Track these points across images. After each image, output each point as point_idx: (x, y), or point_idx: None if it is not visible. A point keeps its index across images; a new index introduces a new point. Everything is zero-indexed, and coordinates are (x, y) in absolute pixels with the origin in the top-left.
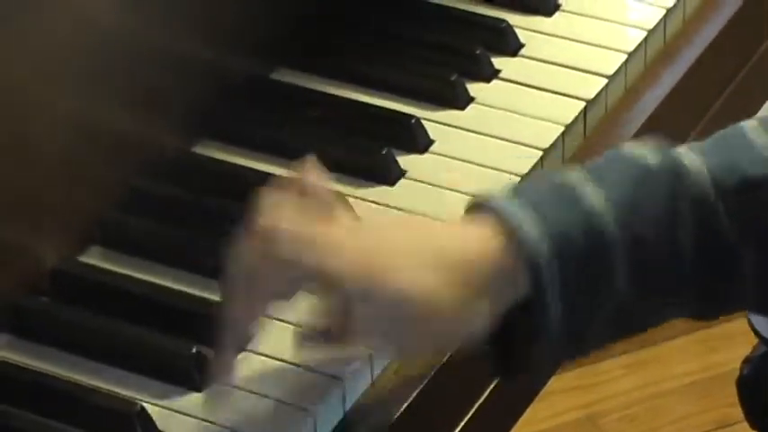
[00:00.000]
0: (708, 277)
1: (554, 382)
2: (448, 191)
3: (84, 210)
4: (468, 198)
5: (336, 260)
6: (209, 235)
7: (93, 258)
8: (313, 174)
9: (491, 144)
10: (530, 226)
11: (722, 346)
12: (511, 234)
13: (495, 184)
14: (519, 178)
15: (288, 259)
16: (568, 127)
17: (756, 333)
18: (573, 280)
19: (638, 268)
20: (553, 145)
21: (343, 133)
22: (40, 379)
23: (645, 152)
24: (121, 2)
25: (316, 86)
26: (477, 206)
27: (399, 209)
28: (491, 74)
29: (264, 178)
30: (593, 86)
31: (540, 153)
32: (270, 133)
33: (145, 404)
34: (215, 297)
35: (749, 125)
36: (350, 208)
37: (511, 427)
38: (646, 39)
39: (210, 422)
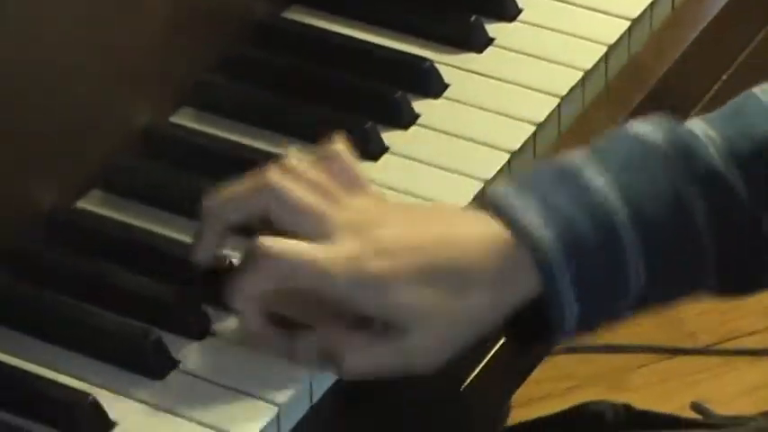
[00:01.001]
0: (728, 254)
1: None
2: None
3: (177, 73)
4: None
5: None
6: (299, 97)
7: (185, 119)
8: (342, 148)
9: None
10: (539, 226)
11: None
12: (519, 236)
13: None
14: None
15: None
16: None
17: None
18: (587, 278)
19: (654, 255)
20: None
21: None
22: (128, 233)
23: (651, 130)
24: None
25: None
26: (482, 200)
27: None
28: None
29: (354, 43)
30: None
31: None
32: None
33: (233, 260)
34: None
35: (760, 89)
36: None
37: None
38: None
39: None
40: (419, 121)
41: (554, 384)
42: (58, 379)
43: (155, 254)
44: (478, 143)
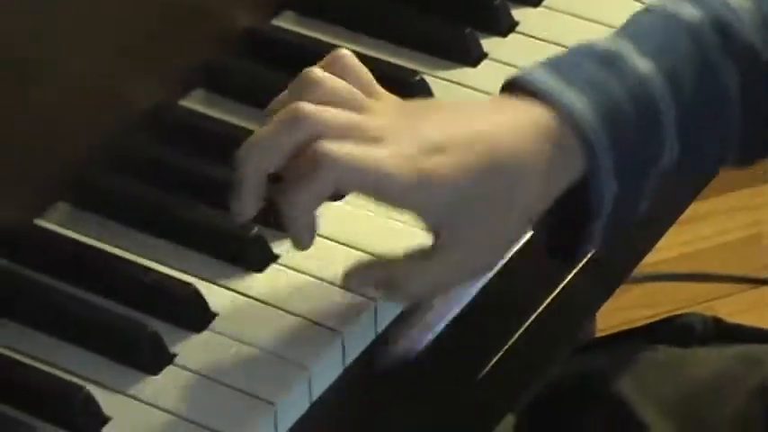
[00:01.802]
0: (754, 124)
1: (721, 202)
2: None
3: None
4: None
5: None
6: (399, 2)
7: (286, 22)
8: (349, 53)
9: None
10: (580, 104)
11: None
12: (561, 114)
13: None
14: None
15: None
16: None
17: None
18: (626, 153)
19: (688, 127)
20: None
21: None
22: (228, 131)
23: (688, 7)
24: None
25: None
26: (518, 84)
27: None
28: None
29: None
30: None
31: None
32: None
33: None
34: (408, 64)
35: None
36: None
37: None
38: None
39: None
40: (518, 28)
41: (638, 312)
42: (163, 270)
43: None
44: None
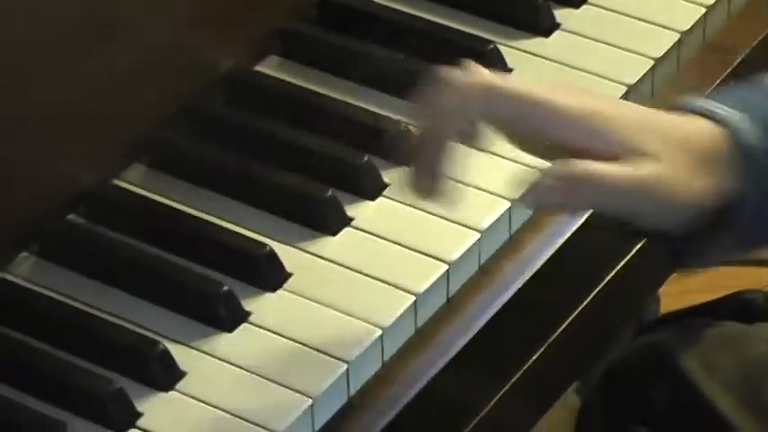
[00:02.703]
0: None
1: None
2: None
3: None
4: None
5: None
6: None
7: None
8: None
9: None
10: (744, 122)
11: None
12: (725, 126)
13: None
14: None
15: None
16: None
17: None
18: None
19: None
20: None
21: None
22: (300, 95)
23: None
24: None
25: None
26: (687, 108)
27: None
28: None
29: None
30: None
31: None
32: None
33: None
34: (482, 33)
35: None
36: None
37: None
38: None
39: None
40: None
41: (702, 296)
42: (238, 231)
43: (325, 115)
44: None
